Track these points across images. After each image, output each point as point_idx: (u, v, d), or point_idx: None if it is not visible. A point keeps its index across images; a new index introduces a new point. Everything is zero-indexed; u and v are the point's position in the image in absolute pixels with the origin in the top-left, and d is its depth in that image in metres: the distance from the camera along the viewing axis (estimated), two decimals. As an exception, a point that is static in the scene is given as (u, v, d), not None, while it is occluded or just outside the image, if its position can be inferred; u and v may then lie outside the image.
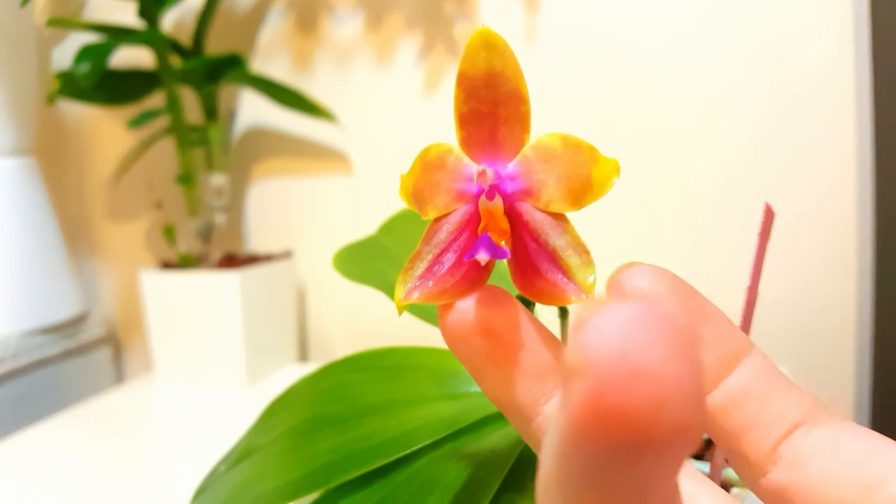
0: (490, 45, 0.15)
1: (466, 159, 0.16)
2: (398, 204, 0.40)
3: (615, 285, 0.15)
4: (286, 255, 0.65)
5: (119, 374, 0.73)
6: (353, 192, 0.66)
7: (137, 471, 0.43)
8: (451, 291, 0.16)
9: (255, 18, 0.66)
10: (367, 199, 0.65)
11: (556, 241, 0.16)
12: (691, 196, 0.57)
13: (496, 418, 0.26)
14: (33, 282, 0.60)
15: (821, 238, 0.55)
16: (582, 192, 0.16)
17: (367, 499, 0.23)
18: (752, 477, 0.15)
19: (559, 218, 0.16)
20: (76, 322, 0.65)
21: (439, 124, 0.62)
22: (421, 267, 0.16)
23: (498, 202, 0.16)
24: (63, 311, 0.63)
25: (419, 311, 0.31)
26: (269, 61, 0.66)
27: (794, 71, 0.54)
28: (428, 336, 0.32)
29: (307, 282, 0.68)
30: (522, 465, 0.24)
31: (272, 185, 0.68)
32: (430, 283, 0.16)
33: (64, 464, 0.45)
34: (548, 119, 0.59)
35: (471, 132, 0.16)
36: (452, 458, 0.24)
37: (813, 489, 0.14)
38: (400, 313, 0.16)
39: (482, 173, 0.15)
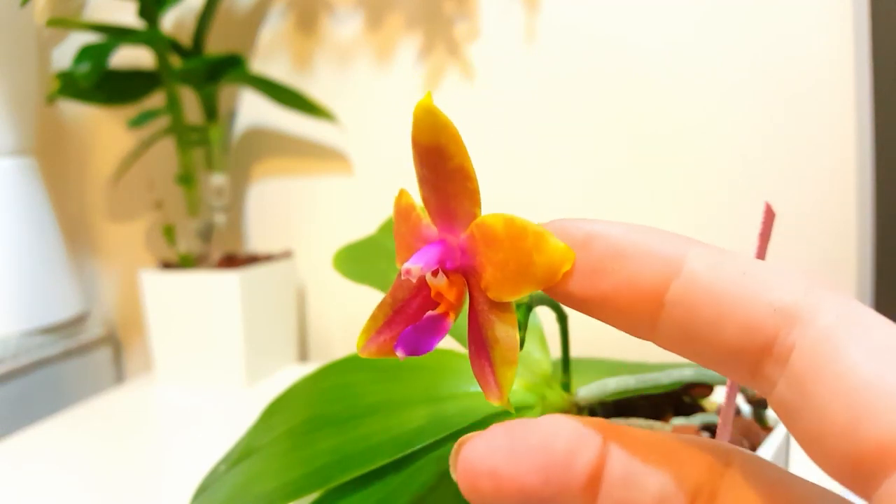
0: (431, 119, 0.14)
1: (426, 220, 0.16)
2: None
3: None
4: (286, 255, 0.65)
5: (119, 374, 0.73)
6: (353, 192, 0.66)
7: (137, 471, 0.43)
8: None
9: (255, 18, 0.66)
10: (367, 199, 0.65)
11: (492, 329, 0.15)
12: (692, 196, 0.57)
13: (496, 418, 0.26)
14: (33, 282, 0.60)
15: (821, 238, 0.55)
16: (521, 282, 0.14)
17: (367, 499, 0.23)
18: (761, 392, 0.12)
19: (501, 306, 0.15)
20: (76, 322, 0.65)
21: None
22: (381, 319, 0.17)
23: (441, 280, 0.15)
24: (63, 311, 0.63)
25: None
26: (269, 61, 0.66)
27: (794, 71, 0.54)
28: (428, 336, 0.32)
29: (307, 282, 0.68)
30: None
31: (272, 185, 0.68)
32: (385, 338, 0.16)
33: (64, 464, 0.45)
34: (548, 120, 0.59)
35: (428, 196, 0.16)
36: (452, 458, 0.24)
37: (818, 424, 0.11)
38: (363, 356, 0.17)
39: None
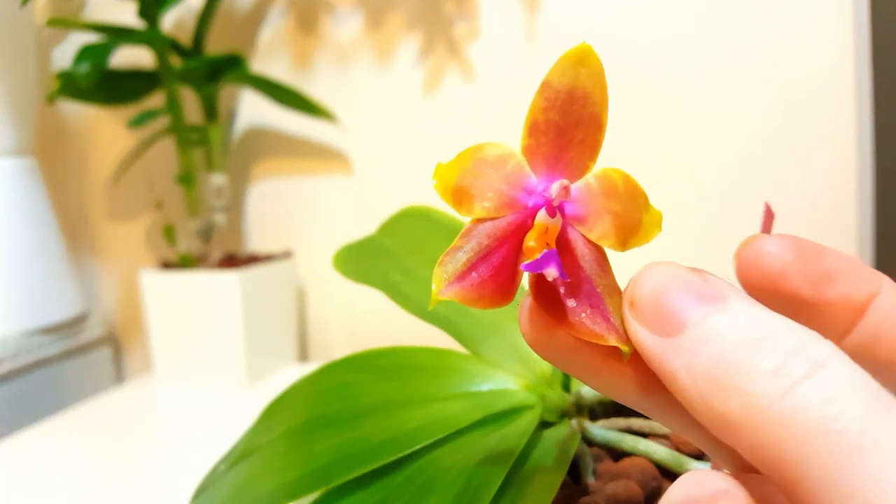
0: (586, 62, 0.15)
1: (528, 168, 0.16)
2: (398, 204, 0.40)
3: (747, 255, 0.16)
4: (286, 255, 0.65)
5: (119, 374, 0.73)
6: (353, 192, 0.66)
7: (137, 471, 0.43)
8: (488, 299, 0.16)
9: (255, 18, 0.66)
10: (367, 199, 0.65)
11: (602, 277, 0.16)
12: (693, 196, 0.57)
13: (496, 418, 0.26)
14: (33, 282, 0.60)
15: (821, 238, 0.55)
16: (632, 235, 0.15)
17: (367, 499, 0.23)
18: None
19: (603, 254, 0.16)
20: (76, 322, 0.65)
21: (439, 124, 0.62)
22: (459, 263, 0.16)
23: (558, 221, 0.15)
24: (63, 311, 0.63)
25: (422, 312, 0.31)
26: (269, 61, 0.66)
27: (794, 72, 0.54)
28: (428, 336, 0.32)
29: (307, 282, 0.68)
30: (522, 465, 0.24)
31: (272, 185, 0.68)
32: (469, 284, 0.16)
33: (64, 464, 0.45)
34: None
35: (540, 143, 0.16)
36: (452, 458, 0.24)
37: None
38: (432, 307, 0.16)
39: (566, 188, 0.15)
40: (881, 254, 0.52)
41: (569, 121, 0.15)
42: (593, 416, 0.29)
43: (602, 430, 0.28)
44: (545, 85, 0.15)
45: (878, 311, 0.16)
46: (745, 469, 0.14)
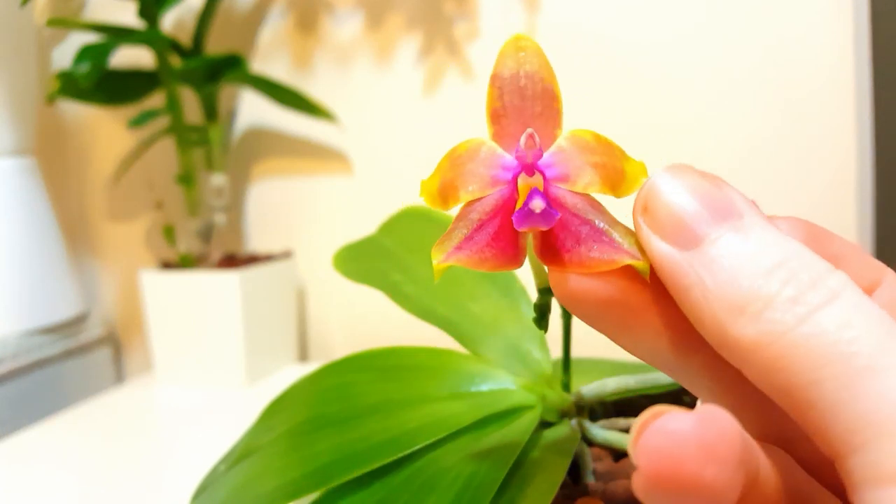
0: (524, 46, 0.16)
1: (500, 150, 0.17)
2: (398, 204, 0.40)
3: None
4: (286, 255, 0.65)
5: (119, 374, 0.73)
6: (353, 192, 0.66)
7: (137, 471, 0.43)
8: (492, 261, 0.16)
9: (255, 18, 0.66)
10: (367, 199, 0.65)
11: (600, 216, 0.16)
12: (691, 196, 0.57)
13: (496, 418, 0.26)
14: (33, 282, 0.60)
15: (821, 238, 0.55)
16: (618, 181, 0.16)
17: (367, 499, 0.23)
18: None
19: (595, 199, 0.16)
20: (76, 322, 0.65)
21: (439, 124, 0.62)
22: (458, 237, 0.17)
23: (538, 178, 0.16)
24: (63, 311, 0.63)
25: (422, 312, 0.31)
26: (269, 61, 0.66)
27: (794, 72, 0.54)
28: (428, 336, 0.32)
29: (307, 282, 0.68)
30: (522, 465, 0.24)
31: (272, 185, 0.68)
32: (469, 250, 0.16)
33: (64, 464, 0.45)
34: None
35: (504, 125, 0.17)
36: (452, 457, 0.24)
37: None
38: (437, 278, 0.17)
39: (531, 136, 0.16)
40: (881, 254, 0.52)
41: (525, 98, 0.16)
42: (593, 416, 0.29)
43: (602, 430, 0.28)
44: (495, 77, 0.16)
45: (879, 300, 0.16)
46: (760, 439, 0.14)
